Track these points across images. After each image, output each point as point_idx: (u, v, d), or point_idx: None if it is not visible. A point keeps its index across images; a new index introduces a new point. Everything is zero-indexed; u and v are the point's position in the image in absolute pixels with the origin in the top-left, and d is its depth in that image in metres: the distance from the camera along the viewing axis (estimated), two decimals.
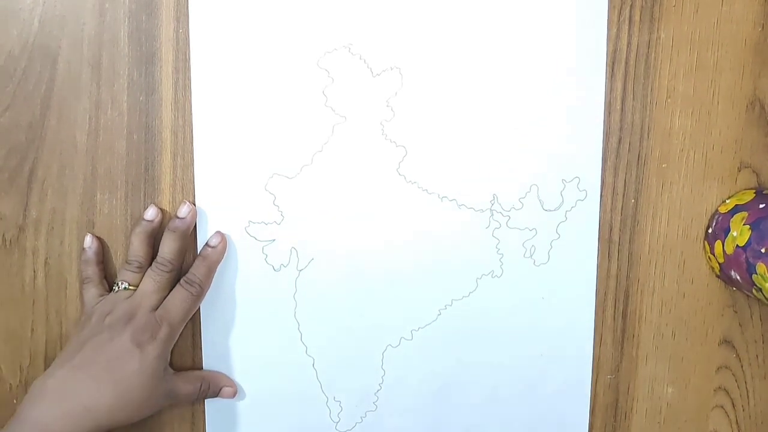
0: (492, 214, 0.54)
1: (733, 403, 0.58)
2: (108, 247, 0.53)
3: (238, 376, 0.55)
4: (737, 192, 0.56)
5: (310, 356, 0.55)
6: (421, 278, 0.55)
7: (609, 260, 0.56)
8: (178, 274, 0.52)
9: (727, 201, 0.55)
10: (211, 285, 0.53)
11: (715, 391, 0.58)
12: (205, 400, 0.55)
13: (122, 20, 0.51)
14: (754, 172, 0.56)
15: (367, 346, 0.56)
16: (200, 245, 0.53)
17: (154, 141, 0.53)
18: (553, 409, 0.57)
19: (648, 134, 0.55)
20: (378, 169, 0.54)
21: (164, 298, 0.51)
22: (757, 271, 0.50)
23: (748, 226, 0.51)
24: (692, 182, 0.56)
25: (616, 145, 0.55)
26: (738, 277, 0.53)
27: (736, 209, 0.54)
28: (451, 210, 0.54)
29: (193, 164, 0.53)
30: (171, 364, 0.52)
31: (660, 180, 0.55)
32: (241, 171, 0.53)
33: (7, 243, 0.53)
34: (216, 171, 0.53)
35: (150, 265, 0.52)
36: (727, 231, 0.53)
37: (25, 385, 0.55)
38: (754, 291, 0.52)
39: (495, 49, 0.53)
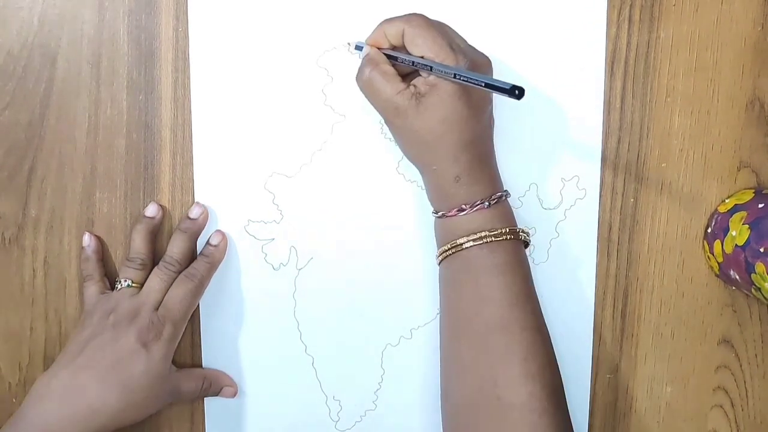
0: None
1: (732, 403, 0.58)
2: (107, 245, 0.53)
3: (238, 374, 0.55)
4: (736, 191, 0.56)
5: (309, 355, 0.55)
6: (421, 277, 0.55)
7: (608, 259, 0.56)
8: None
9: (727, 200, 0.55)
10: (211, 284, 0.53)
11: (714, 390, 0.58)
12: (205, 399, 0.55)
13: (122, 19, 0.51)
14: (753, 171, 0.56)
15: (367, 345, 0.56)
16: (199, 244, 0.53)
17: (153, 140, 0.53)
18: None
19: (647, 133, 0.55)
20: (377, 167, 0.54)
21: None
22: (756, 271, 0.50)
23: (747, 226, 0.51)
24: (691, 182, 0.56)
25: (616, 145, 0.55)
26: (737, 277, 0.53)
27: (736, 209, 0.54)
28: None
29: (192, 163, 0.53)
30: (172, 362, 0.52)
31: (659, 179, 0.55)
32: (240, 170, 0.53)
33: (7, 242, 0.53)
34: (215, 170, 0.53)
35: (152, 262, 0.52)
36: (727, 230, 0.53)
37: (25, 384, 0.55)
38: (753, 290, 0.52)
39: (495, 48, 0.53)
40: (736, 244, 0.52)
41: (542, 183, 0.55)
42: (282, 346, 0.55)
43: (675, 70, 0.54)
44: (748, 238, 0.51)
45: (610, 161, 0.55)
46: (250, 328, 0.55)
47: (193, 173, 0.53)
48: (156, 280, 0.51)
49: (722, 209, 0.55)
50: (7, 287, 0.54)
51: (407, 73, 0.49)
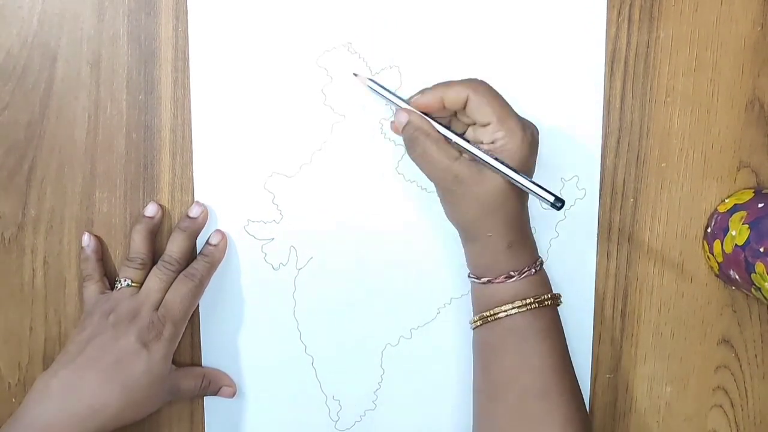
0: None
1: (731, 403, 0.58)
2: (107, 245, 0.53)
3: (237, 374, 0.55)
4: (736, 191, 0.56)
5: (309, 355, 0.55)
6: (421, 277, 0.55)
7: (608, 259, 0.56)
8: None
9: (726, 200, 0.55)
10: (211, 283, 0.53)
11: (713, 390, 0.58)
12: (205, 399, 0.55)
13: (121, 19, 0.51)
14: (753, 171, 0.56)
15: (367, 345, 0.56)
16: (199, 244, 0.53)
17: (153, 139, 0.53)
18: None
19: (647, 133, 0.55)
20: (377, 167, 0.54)
21: None
22: (756, 271, 0.50)
23: (747, 226, 0.51)
24: (691, 181, 0.56)
25: (615, 144, 0.55)
26: (737, 277, 0.53)
27: (735, 208, 0.54)
28: None
29: (192, 163, 0.53)
30: (172, 361, 0.52)
31: (659, 179, 0.55)
32: (240, 169, 0.53)
33: (6, 242, 0.53)
34: (215, 169, 0.53)
35: (151, 261, 0.52)
36: (726, 230, 0.53)
37: (24, 384, 0.55)
38: (753, 290, 0.52)
39: (494, 48, 0.53)
40: (735, 244, 0.52)
41: (542, 183, 0.54)
42: (282, 346, 0.55)
43: (675, 69, 0.54)
44: (748, 237, 0.51)
45: (609, 161, 0.55)
46: (250, 328, 0.55)
47: (192, 173, 0.53)
48: (155, 279, 0.51)
49: (722, 209, 0.55)
50: (6, 287, 0.54)
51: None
